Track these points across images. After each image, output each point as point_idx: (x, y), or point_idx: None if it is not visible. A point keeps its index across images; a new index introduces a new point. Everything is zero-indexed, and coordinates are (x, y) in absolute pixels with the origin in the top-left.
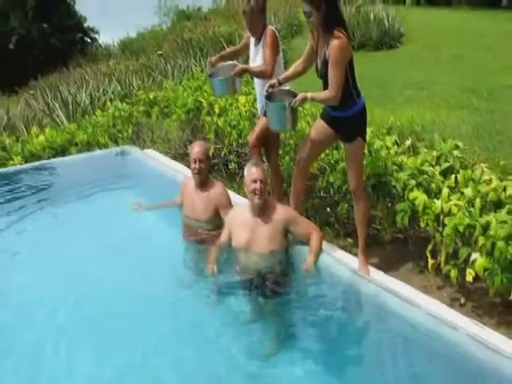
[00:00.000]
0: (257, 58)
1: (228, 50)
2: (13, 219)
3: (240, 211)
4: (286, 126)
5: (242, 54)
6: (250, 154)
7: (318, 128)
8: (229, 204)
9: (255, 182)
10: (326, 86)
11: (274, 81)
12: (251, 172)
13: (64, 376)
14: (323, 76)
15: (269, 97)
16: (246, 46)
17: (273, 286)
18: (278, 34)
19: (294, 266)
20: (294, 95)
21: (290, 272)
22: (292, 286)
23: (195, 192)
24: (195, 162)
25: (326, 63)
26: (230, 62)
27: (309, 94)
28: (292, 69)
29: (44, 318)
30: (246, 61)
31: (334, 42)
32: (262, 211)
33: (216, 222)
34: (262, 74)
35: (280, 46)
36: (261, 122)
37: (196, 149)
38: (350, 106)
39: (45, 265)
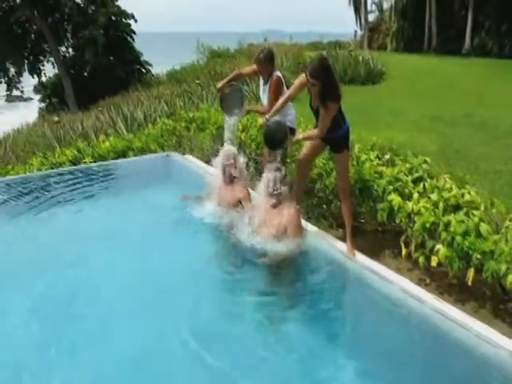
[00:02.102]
0: (264, 95)
1: (232, 74)
2: (84, 204)
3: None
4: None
5: (247, 77)
6: (263, 162)
7: (312, 142)
8: (249, 198)
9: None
10: (317, 117)
11: (261, 122)
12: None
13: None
14: (316, 114)
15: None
16: (252, 74)
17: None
18: (282, 78)
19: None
20: (282, 124)
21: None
22: (292, 265)
23: (224, 187)
24: (223, 164)
25: (318, 110)
26: (233, 84)
27: (301, 136)
28: (279, 103)
29: (104, 281)
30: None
31: (328, 106)
32: (276, 204)
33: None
34: (264, 114)
35: (283, 86)
36: None
37: (225, 154)
38: (338, 130)
39: (102, 241)
